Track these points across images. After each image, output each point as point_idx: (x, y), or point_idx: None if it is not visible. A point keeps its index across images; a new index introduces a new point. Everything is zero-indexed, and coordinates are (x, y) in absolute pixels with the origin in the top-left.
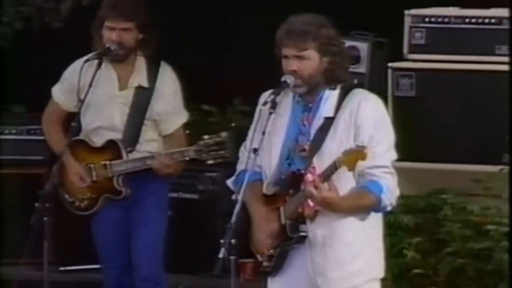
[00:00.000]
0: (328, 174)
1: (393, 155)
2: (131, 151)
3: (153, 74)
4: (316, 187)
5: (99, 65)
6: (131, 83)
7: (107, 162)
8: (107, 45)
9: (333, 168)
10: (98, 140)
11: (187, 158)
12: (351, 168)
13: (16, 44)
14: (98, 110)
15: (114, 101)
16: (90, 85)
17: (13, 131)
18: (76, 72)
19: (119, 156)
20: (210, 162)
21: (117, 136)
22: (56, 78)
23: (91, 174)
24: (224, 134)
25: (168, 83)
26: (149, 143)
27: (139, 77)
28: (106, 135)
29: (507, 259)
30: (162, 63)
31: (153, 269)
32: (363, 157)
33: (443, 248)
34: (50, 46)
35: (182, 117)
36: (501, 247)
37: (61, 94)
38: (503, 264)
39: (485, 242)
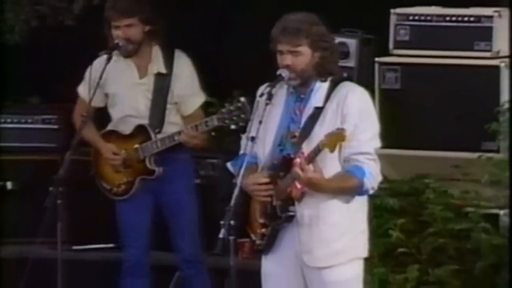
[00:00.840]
0: (312, 156)
1: (377, 143)
2: (159, 132)
3: (169, 61)
4: (302, 169)
5: (108, 59)
6: (150, 71)
7: (138, 146)
8: (115, 41)
9: (317, 150)
10: (127, 128)
11: (210, 127)
12: (332, 149)
13: (32, 40)
14: (123, 100)
15: (136, 89)
16: (100, 78)
17: (29, 121)
18: (94, 69)
19: (149, 139)
20: (233, 127)
21: (144, 121)
22: (68, 72)
23: (125, 159)
24: (243, 98)
25: (184, 67)
26: (173, 126)
27: (157, 65)
28: (133, 122)
29: (485, 238)
30: (177, 50)
31: (195, 249)
32: (342, 139)
33: (426, 228)
34: (63, 42)
35: (200, 98)
36: (479, 228)
37: (85, 91)
38: (481, 243)
39: (464, 223)
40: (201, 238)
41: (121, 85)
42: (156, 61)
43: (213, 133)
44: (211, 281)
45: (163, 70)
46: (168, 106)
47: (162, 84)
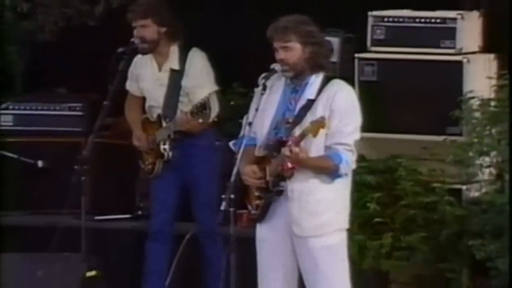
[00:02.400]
0: (299, 140)
1: (357, 136)
2: (170, 121)
3: (183, 59)
4: (290, 150)
5: (126, 55)
6: (165, 67)
7: (156, 132)
8: (131, 40)
9: (302, 135)
10: (153, 116)
11: (189, 118)
12: (315, 135)
13: (59, 38)
14: (147, 92)
15: (156, 83)
16: (120, 72)
17: (57, 108)
18: (133, 66)
19: (162, 126)
20: (200, 121)
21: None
22: (91, 66)
23: (149, 143)
24: (208, 95)
25: (194, 63)
26: None
27: (172, 62)
28: (156, 111)
29: (449, 210)
30: (193, 48)
31: (210, 223)
32: (323, 126)
33: (398, 201)
34: (87, 40)
35: (206, 89)
36: (444, 201)
37: (130, 86)
38: (446, 214)
39: (432, 197)
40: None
41: (146, 80)
42: (171, 59)
43: (215, 119)
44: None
45: (176, 67)
46: (182, 99)
47: (175, 79)
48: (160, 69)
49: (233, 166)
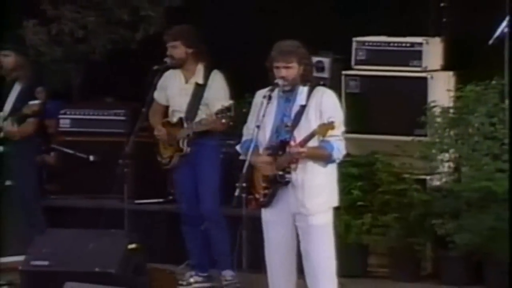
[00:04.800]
0: (307, 140)
1: (343, 128)
2: (190, 123)
3: (207, 75)
4: (298, 150)
5: (160, 71)
6: (191, 81)
7: (177, 131)
8: (164, 60)
9: (311, 135)
10: (174, 119)
11: (214, 119)
12: (324, 135)
13: (108, 58)
14: (173, 99)
15: (181, 93)
16: (153, 84)
17: (105, 113)
18: (163, 79)
19: (183, 127)
20: (223, 121)
21: (183, 115)
22: (132, 80)
23: (169, 140)
24: (231, 101)
25: (216, 80)
26: None
27: (197, 77)
28: (178, 115)
29: (416, 195)
30: (215, 70)
31: (213, 209)
32: (332, 127)
33: (376, 189)
34: (129, 60)
35: (223, 102)
36: (412, 188)
37: (158, 95)
38: (414, 199)
39: (402, 185)
40: (220, 200)
41: (173, 89)
42: (197, 74)
43: (231, 123)
44: (228, 226)
45: (200, 81)
46: (201, 107)
47: (198, 91)
48: (186, 82)
49: (244, 161)
